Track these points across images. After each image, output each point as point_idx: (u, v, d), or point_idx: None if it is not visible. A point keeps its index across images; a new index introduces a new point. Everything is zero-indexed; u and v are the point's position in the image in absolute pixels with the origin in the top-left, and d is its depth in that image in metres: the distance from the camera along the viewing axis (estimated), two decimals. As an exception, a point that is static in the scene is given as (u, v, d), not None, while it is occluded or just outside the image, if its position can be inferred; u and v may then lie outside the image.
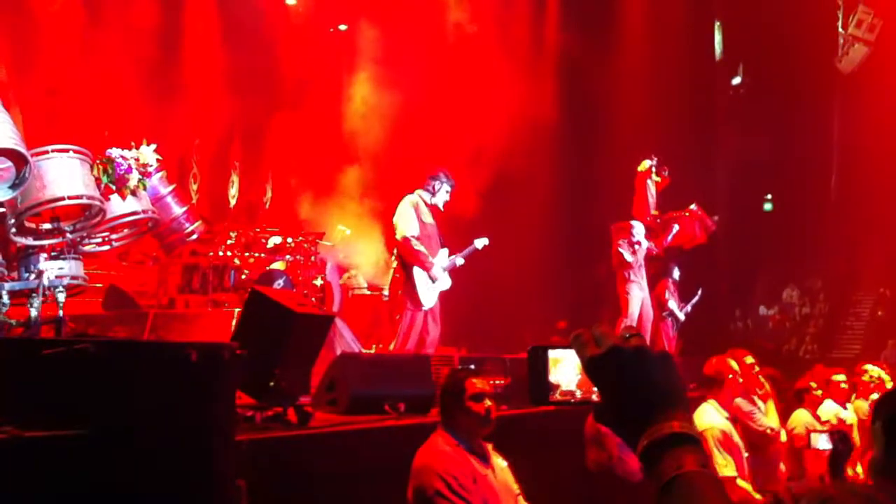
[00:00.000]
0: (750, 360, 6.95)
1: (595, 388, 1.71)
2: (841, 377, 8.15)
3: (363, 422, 6.11)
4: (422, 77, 13.75)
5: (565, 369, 1.78)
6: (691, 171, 12.85)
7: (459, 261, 9.11)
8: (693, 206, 11.47)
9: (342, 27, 15.18)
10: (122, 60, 12.10)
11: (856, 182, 13.17)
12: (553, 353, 1.79)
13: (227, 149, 13.35)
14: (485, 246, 9.28)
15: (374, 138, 13.02)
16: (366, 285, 11.70)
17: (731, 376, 6.34)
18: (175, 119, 12.59)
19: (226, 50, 13.61)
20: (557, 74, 14.68)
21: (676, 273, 11.76)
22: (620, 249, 10.45)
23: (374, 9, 14.46)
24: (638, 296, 10.39)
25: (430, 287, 8.83)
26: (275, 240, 10.37)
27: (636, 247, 10.49)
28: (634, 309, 10.32)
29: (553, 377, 1.82)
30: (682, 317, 11.67)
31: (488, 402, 4.68)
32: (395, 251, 9.56)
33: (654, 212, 11.31)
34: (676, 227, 11.22)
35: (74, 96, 11.67)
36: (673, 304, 11.59)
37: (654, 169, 11.05)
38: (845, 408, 8.05)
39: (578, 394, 1.79)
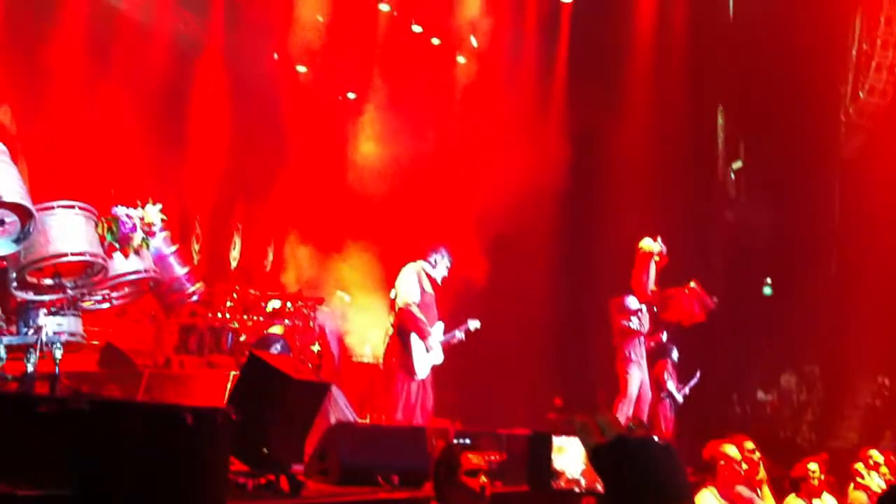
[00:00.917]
0: (750, 445, 6.87)
1: (599, 478, 1.69)
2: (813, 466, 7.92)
3: (355, 493, 6.03)
4: (427, 144, 13.91)
5: (569, 457, 1.76)
6: (690, 251, 12.86)
7: (458, 335, 9.11)
8: (693, 284, 11.45)
9: (350, 95, 15.36)
10: (127, 116, 12.21)
11: (855, 268, 13.19)
12: (557, 441, 1.77)
13: (230, 210, 13.39)
14: (476, 329, 9.31)
15: (378, 205, 13.10)
16: (370, 353, 11.63)
17: (723, 462, 6.29)
18: (179, 177, 12.68)
19: (233, 111, 13.75)
20: (562, 146, 14.82)
21: (675, 354, 11.71)
22: (625, 323, 10.39)
23: (383, 75, 14.67)
24: (637, 376, 10.32)
25: (425, 357, 8.79)
26: (274, 304, 10.37)
27: (637, 314, 10.43)
28: (633, 389, 10.25)
29: (557, 464, 1.79)
30: (680, 398, 11.60)
31: (483, 479, 4.62)
32: (391, 318, 9.51)
33: (652, 288, 11.28)
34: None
35: (78, 151, 11.75)
36: (671, 386, 11.53)
37: (657, 248, 11.06)
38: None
39: (583, 482, 1.77)
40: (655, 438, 1.62)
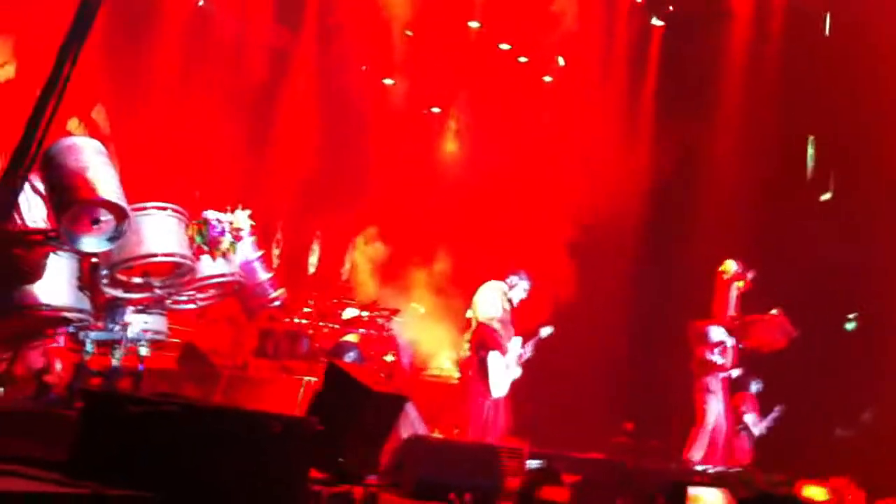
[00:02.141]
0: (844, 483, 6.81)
1: None
2: None
3: (429, 509, 6.00)
4: (510, 161, 13.89)
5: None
6: (774, 280, 12.60)
7: (528, 352, 9.09)
8: (774, 311, 11.21)
9: (435, 109, 15.42)
10: (217, 121, 12.46)
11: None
12: (693, 491, 1.72)
13: (311, 217, 13.52)
14: (549, 335, 9.26)
15: (458, 220, 13.13)
16: (447, 367, 11.61)
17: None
18: (263, 183, 12.86)
19: (320, 120, 13.93)
20: (648, 168, 14.68)
21: (756, 386, 11.46)
22: (709, 356, 10.22)
23: (469, 91, 14.72)
24: (715, 408, 10.13)
25: (504, 374, 8.77)
26: (350, 312, 10.42)
27: (720, 347, 10.25)
28: (711, 420, 10.06)
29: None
30: (757, 432, 11.33)
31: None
32: (468, 334, 9.49)
33: (732, 314, 11.08)
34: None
35: (168, 153, 12.00)
36: (750, 418, 11.27)
37: (739, 273, 10.87)
38: None
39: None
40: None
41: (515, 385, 9.28)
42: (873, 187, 13.66)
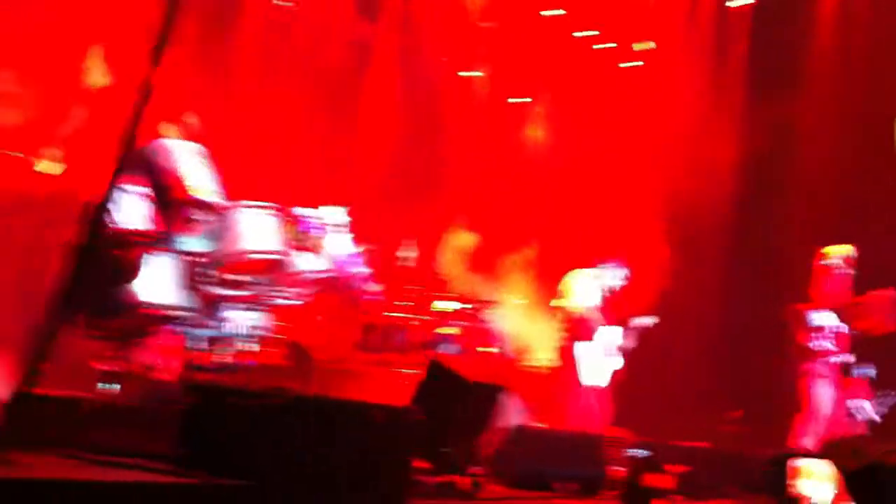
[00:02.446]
0: None
1: None
2: None
3: (532, 497, 5.98)
4: (598, 148, 13.76)
5: (819, 483, 1.64)
6: (884, 262, 12.18)
7: (629, 342, 8.95)
8: (881, 291, 10.78)
9: (519, 99, 15.35)
10: (303, 117, 12.59)
11: None
12: (801, 463, 1.65)
13: (402, 209, 13.60)
14: (652, 324, 9.10)
15: (550, 209, 13.05)
16: (545, 357, 11.55)
17: None
18: (352, 178, 12.99)
19: (404, 113, 13.99)
20: (742, 147, 14.36)
21: (872, 371, 11.03)
22: (809, 343, 9.89)
23: (552, 79, 14.61)
24: (824, 394, 9.77)
25: (597, 363, 8.67)
26: (446, 304, 10.43)
27: (823, 333, 9.90)
28: (819, 407, 9.72)
29: (800, 489, 1.67)
30: (876, 417, 10.93)
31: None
32: (562, 324, 9.41)
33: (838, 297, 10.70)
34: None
35: (257, 152, 12.19)
36: (868, 406, 10.87)
37: (842, 256, 10.51)
38: None
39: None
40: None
41: (617, 374, 9.16)
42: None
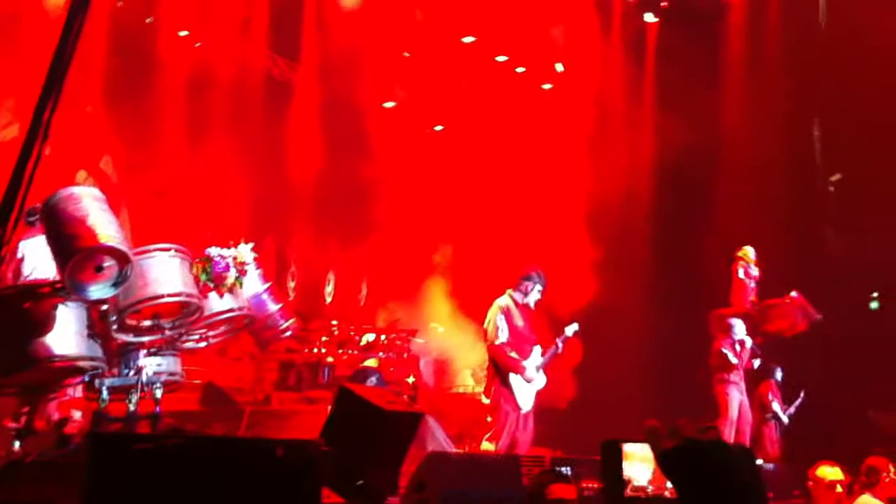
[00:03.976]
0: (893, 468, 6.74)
1: (668, 484, 1.65)
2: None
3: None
4: (517, 170, 13.94)
5: (638, 464, 1.74)
6: (792, 265, 12.55)
7: (559, 345, 8.95)
8: (794, 293, 11.15)
9: (438, 127, 15.50)
10: (226, 159, 12.57)
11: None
12: (627, 447, 1.74)
13: (325, 246, 13.62)
14: (576, 332, 9.13)
15: (471, 234, 13.18)
16: (472, 384, 11.62)
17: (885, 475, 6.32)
18: (275, 216, 12.97)
19: (326, 149, 14.01)
20: (656, 162, 14.72)
21: (779, 374, 11.38)
22: (725, 350, 10.17)
23: (470, 106, 14.78)
24: (736, 398, 10.07)
25: (527, 389, 8.72)
26: (368, 337, 10.46)
27: (737, 347, 10.22)
28: (733, 411, 9.99)
29: (626, 472, 1.77)
30: (785, 419, 11.26)
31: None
32: (486, 353, 9.44)
33: (752, 299, 11.03)
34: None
35: (181, 196, 12.13)
36: (776, 407, 11.19)
37: (750, 256, 10.87)
38: None
39: (650, 489, 1.74)
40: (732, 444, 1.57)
41: (542, 392, 9.21)
42: (881, 165, 13.59)
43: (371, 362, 9.90)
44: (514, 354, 8.59)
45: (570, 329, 9.04)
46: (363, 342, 10.42)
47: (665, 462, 1.47)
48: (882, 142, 13.55)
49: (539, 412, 9.20)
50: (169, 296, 6.33)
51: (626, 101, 15.22)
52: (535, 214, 13.59)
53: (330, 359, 10.03)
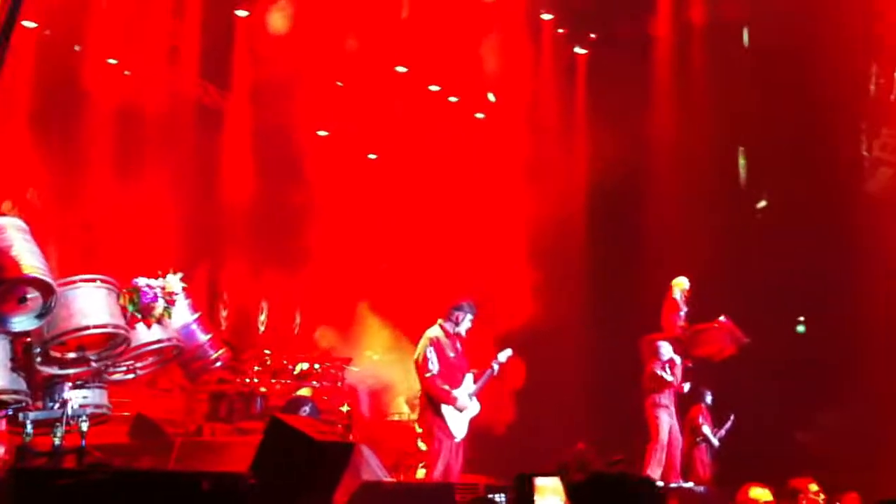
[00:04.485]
0: (814, 487, 6.90)
1: None
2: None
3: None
4: (449, 199, 14.02)
5: (550, 497, 1.77)
6: (721, 290, 12.78)
7: (495, 369, 8.95)
8: (722, 318, 11.36)
9: (372, 156, 15.55)
10: (157, 189, 12.45)
11: (886, 305, 12.93)
12: (539, 481, 1.77)
13: (258, 275, 13.52)
14: (509, 358, 9.15)
15: (404, 261, 13.19)
16: (407, 412, 11.57)
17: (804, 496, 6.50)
18: (207, 245, 12.85)
19: (258, 177, 13.96)
20: (587, 191, 14.96)
21: (709, 398, 11.57)
22: (658, 372, 10.30)
23: (403, 135, 14.86)
24: (667, 421, 10.19)
25: (460, 417, 8.73)
26: (302, 366, 10.40)
27: (667, 368, 10.35)
28: (664, 435, 10.11)
29: (539, 504, 1.80)
30: (716, 442, 11.43)
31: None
32: (418, 383, 9.42)
33: (682, 324, 11.21)
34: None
35: (111, 227, 11.97)
36: (707, 430, 11.36)
37: (684, 286, 11.09)
38: None
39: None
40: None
41: (476, 419, 9.22)
42: (805, 191, 13.97)
43: (305, 391, 9.84)
44: (445, 386, 8.60)
45: (504, 355, 9.07)
46: (297, 371, 10.35)
47: (574, 495, 1.50)
48: (806, 168, 13.93)
49: (476, 438, 9.22)
50: (95, 327, 6.22)
51: (558, 129, 15.45)
52: (472, 240, 13.67)
53: (263, 389, 9.93)
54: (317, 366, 10.39)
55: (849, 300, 13.30)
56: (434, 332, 8.79)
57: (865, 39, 13.74)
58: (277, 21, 13.77)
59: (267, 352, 11.00)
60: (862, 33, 13.55)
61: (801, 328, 15.06)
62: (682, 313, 11.21)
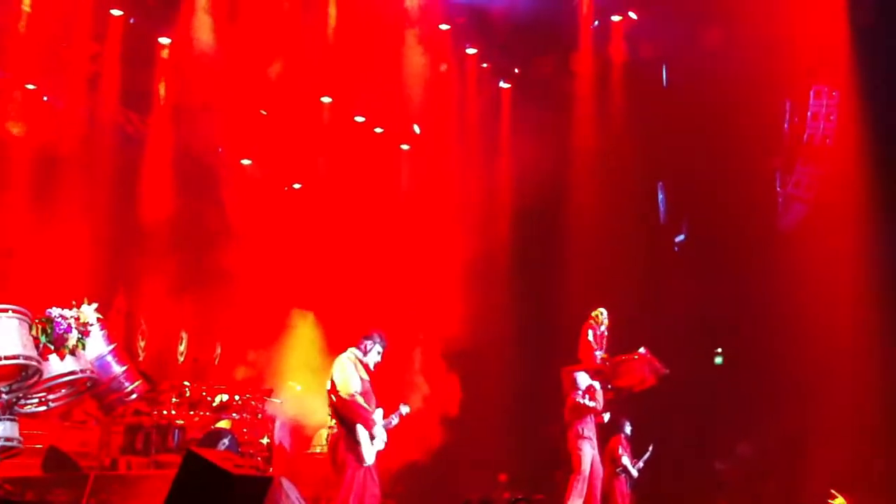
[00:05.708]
0: None
1: None
2: None
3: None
4: (374, 228, 14.04)
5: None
6: (640, 323, 12.99)
7: (394, 420, 8.91)
8: (642, 350, 11.52)
9: (296, 185, 15.50)
10: (76, 218, 12.20)
11: (799, 335, 13.24)
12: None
13: (177, 305, 13.31)
14: (407, 414, 9.09)
15: (326, 292, 13.13)
16: (322, 445, 11.44)
17: None
18: (124, 275, 12.62)
19: (180, 206, 13.78)
20: (509, 223, 15.12)
21: (628, 428, 11.70)
22: (580, 400, 10.36)
23: (327, 165, 14.85)
24: (589, 453, 10.25)
25: (371, 444, 8.63)
26: (222, 397, 10.24)
27: (587, 395, 10.43)
28: (586, 466, 10.17)
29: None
30: (635, 473, 11.54)
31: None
32: (331, 409, 9.29)
33: (600, 354, 11.33)
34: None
35: (27, 257, 11.68)
36: (626, 460, 11.47)
37: (600, 318, 11.26)
38: None
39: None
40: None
41: (395, 447, 9.14)
42: (722, 226, 14.32)
43: (224, 424, 9.68)
44: (366, 405, 8.49)
45: (404, 409, 9.00)
46: (216, 403, 10.18)
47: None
48: (723, 203, 14.28)
49: (401, 466, 9.14)
50: (5, 358, 6.04)
51: (482, 161, 15.63)
52: (397, 269, 13.69)
53: (180, 421, 9.74)
54: (237, 397, 10.22)
55: (765, 332, 13.62)
56: (350, 354, 8.68)
57: (780, 79, 14.17)
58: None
59: (186, 383, 10.79)
60: (777, 73, 13.97)
61: (718, 359, 15.38)
62: (600, 344, 11.36)
